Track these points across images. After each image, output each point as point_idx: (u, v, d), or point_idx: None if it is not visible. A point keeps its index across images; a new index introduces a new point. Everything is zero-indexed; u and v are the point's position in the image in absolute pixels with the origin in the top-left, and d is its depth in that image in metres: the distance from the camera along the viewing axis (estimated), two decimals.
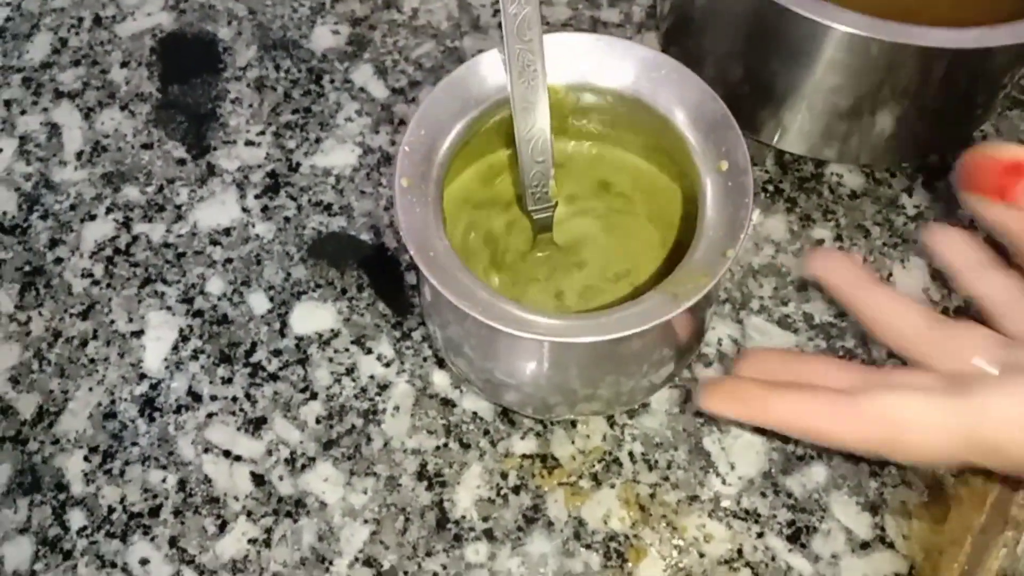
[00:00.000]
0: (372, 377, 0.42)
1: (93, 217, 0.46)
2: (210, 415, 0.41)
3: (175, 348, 0.43)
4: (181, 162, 0.47)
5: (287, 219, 0.46)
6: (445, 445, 0.41)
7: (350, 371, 0.42)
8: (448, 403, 0.41)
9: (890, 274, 0.44)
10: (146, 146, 0.48)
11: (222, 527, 0.39)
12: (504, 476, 0.40)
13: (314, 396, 0.42)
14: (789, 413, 0.31)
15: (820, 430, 0.31)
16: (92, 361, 0.43)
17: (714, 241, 0.33)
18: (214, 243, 0.45)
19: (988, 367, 0.30)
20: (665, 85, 0.35)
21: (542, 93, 0.34)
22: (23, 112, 0.49)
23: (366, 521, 0.39)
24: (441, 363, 0.42)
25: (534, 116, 0.34)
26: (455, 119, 0.35)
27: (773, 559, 0.38)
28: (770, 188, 0.46)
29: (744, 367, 0.34)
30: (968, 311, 0.40)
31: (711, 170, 0.34)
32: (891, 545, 0.38)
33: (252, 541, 0.39)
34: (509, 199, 0.39)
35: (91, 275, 0.45)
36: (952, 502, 0.39)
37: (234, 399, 0.42)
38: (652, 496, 0.39)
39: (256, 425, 0.41)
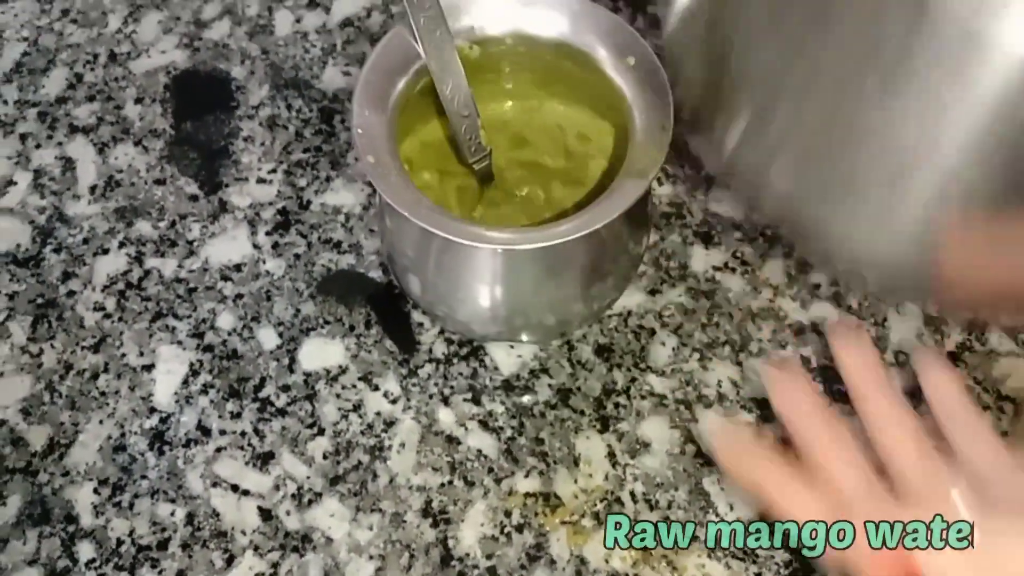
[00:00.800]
0: (379, 414, 0.43)
1: (106, 251, 0.47)
2: (219, 449, 0.42)
3: (185, 382, 0.44)
4: (193, 198, 0.48)
5: (297, 256, 0.47)
6: (450, 482, 0.41)
7: (357, 407, 0.43)
8: (453, 440, 0.42)
9: (885, 319, 0.45)
10: (159, 182, 0.49)
11: (229, 561, 0.40)
12: (508, 514, 0.41)
13: (321, 432, 0.42)
14: (778, 496, 0.34)
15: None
16: (103, 394, 0.43)
17: (648, 125, 0.37)
18: (225, 279, 0.46)
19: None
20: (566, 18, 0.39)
21: (452, 54, 0.38)
22: (38, 146, 0.50)
23: (371, 557, 0.40)
24: (446, 401, 0.43)
25: (450, 75, 0.38)
26: (387, 94, 0.38)
27: None
28: (768, 233, 0.47)
29: (778, 373, 0.37)
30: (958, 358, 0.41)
31: (622, 70, 0.38)
32: None
33: (259, 575, 0.40)
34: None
35: (103, 308, 0.45)
36: None
37: (243, 434, 0.42)
38: (655, 537, 0.40)
39: (264, 460, 0.42)
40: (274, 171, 0.49)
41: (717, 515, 0.41)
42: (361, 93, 0.37)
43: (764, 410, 0.43)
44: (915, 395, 0.38)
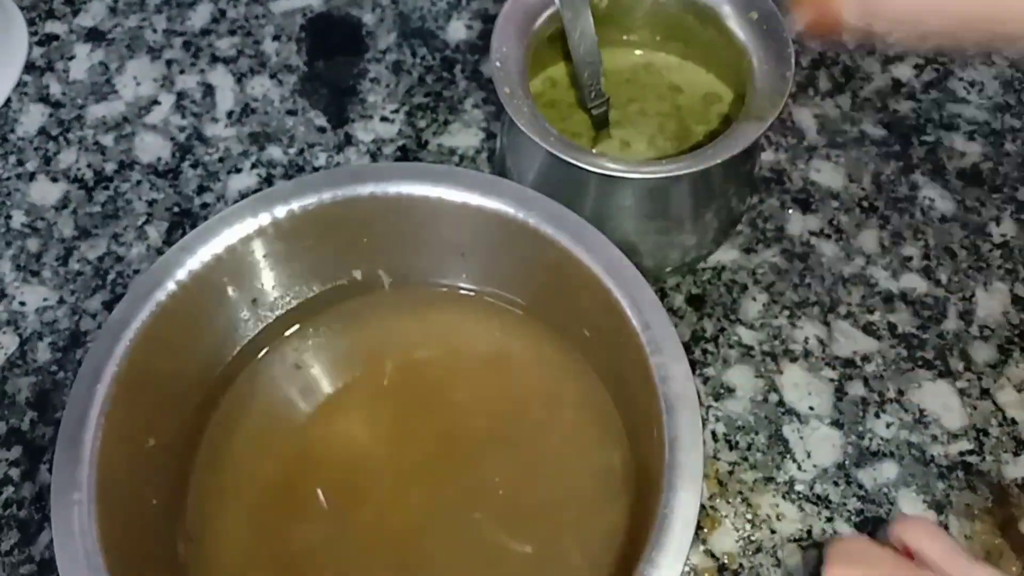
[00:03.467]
0: None
1: (239, 170, 0.51)
2: None
3: None
4: (321, 130, 0.52)
5: None
6: None
7: None
8: None
9: (972, 294, 0.46)
10: (291, 112, 0.52)
11: None
12: None
13: None
14: None
15: None
16: None
17: (768, 75, 0.38)
18: None
19: None
20: None
21: (584, 3, 0.40)
22: (182, 72, 0.54)
23: None
24: None
25: (580, 23, 0.40)
26: (523, 33, 0.41)
27: None
28: (865, 204, 0.49)
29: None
30: None
31: (745, 24, 0.40)
32: None
33: None
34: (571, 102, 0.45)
35: None
36: (1016, 511, 0.41)
37: None
38: (731, 473, 0.42)
39: None
40: (396, 111, 0.52)
41: (794, 461, 0.43)
42: (500, 31, 0.39)
43: (847, 368, 0.44)
44: None
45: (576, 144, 0.39)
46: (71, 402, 0.33)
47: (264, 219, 0.36)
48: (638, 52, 0.45)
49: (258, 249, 0.37)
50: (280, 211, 0.36)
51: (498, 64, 0.39)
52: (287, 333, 0.40)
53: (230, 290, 0.37)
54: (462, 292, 0.41)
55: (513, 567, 0.36)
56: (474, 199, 0.36)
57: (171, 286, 0.35)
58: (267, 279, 0.38)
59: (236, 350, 0.38)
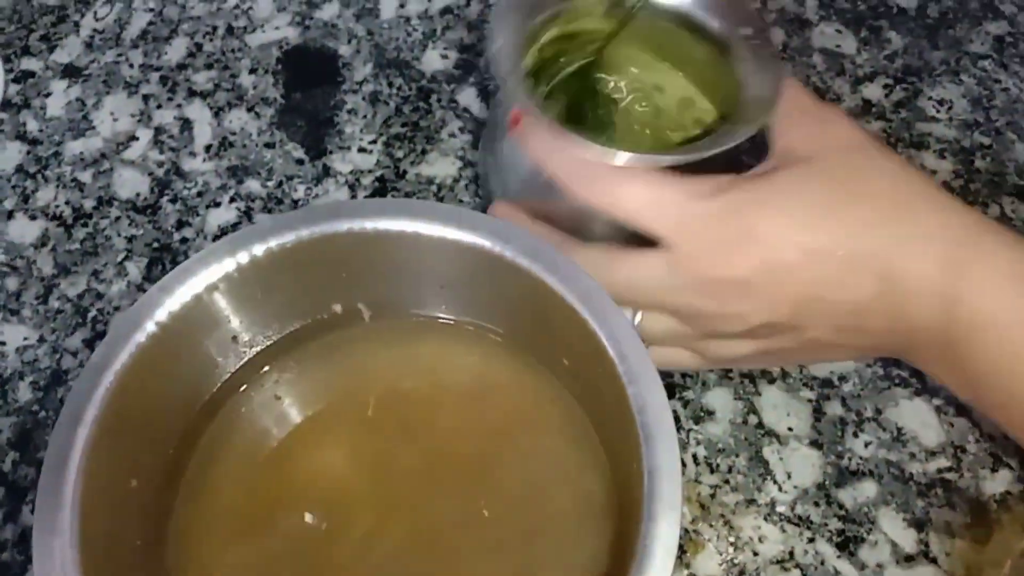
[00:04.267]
0: None
1: (218, 204, 0.51)
2: None
3: None
4: (300, 162, 0.52)
5: None
6: None
7: None
8: None
9: None
10: (268, 145, 0.53)
11: None
12: None
13: None
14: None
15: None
16: None
17: (758, 84, 0.39)
18: None
19: None
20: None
21: None
22: (159, 106, 0.54)
23: None
24: None
25: None
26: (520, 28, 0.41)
27: (822, 563, 0.41)
28: None
29: None
30: None
31: (737, 38, 0.41)
32: (934, 560, 0.41)
33: None
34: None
35: None
36: (994, 526, 0.42)
37: None
38: (712, 496, 0.43)
39: None
40: (374, 142, 0.53)
41: (775, 482, 0.43)
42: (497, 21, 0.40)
43: (824, 388, 0.45)
44: None
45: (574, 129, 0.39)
46: (51, 447, 0.33)
47: (242, 257, 0.37)
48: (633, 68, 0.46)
49: (237, 287, 0.37)
50: (258, 249, 0.36)
51: (498, 47, 0.39)
52: (267, 368, 0.40)
53: (209, 329, 0.37)
54: (441, 321, 0.41)
55: None
56: (451, 233, 0.37)
57: (150, 327, 0.35)
58: (246, 316, 0.38)
59: (216, 387, 0.38)
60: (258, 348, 0.40)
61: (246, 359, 0.40)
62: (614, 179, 0.37)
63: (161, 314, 0.35)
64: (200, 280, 0.36)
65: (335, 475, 0.39)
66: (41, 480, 0.32)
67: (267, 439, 0.39)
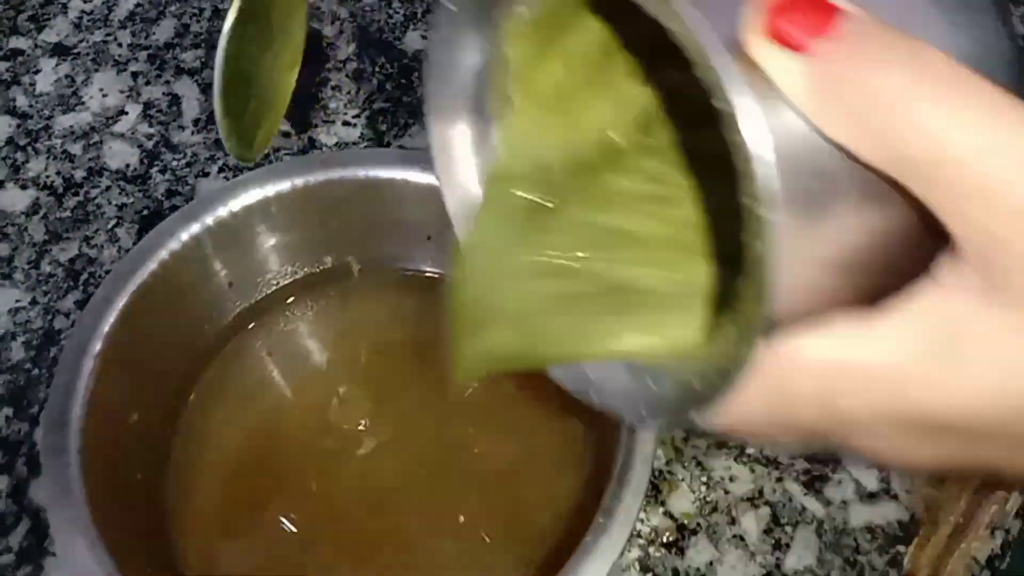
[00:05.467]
0: None
1: (207, 174, 0.52)
2: None
3: None
4: (286, 135, 0.54)
5: None
6: None
7: None
8: None
9: None
10: None
11: None
12: None
13: None
14: None
15: None
16: None
17: None
18: None
19: None
20: None
21: None
22: (148, 83, 0.56)
23: None
24: None
25: None
26: None
27: (790, 500, 0.43)
28: None
29: None
30: None
31: None
32: (895, 497, 0.44)
33: None
34: None
35: None
36: None
37: None
38: (685, 440, 0.45)
39: None
40: (358, 116, 0.55)
41: None
42: None
43: None
44: None
45: None
46: (58, 377, 0.34)
47: (235, 205, 0.38)
48: None
49: (232, 234, 0.39)
50: (254, 195, 0.38)
51: None
52: (263, 316, 0.42)
53: (207, 274, 0.39)
54: (427, 275, 0.43)
55: (485, 526, 0.38)
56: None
57: (151, 266, 0.36)
58: (241, 264, 0.40)
59: (215, 331, 0.40)
60: (255, 295, 0.42)
61: (241, 306, 0.41)
62: None
63: (163, 254, 0.37)
64: (199, 224, 0.38)
65: (328, 419, 0.41)
66: (47, 406, 0.34)
67: (263, 383, 0.41)
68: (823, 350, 0.20)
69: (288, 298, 0.42)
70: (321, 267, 0.43)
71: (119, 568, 0.30)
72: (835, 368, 0.20)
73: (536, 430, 0.40)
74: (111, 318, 0.35)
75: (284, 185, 0.39)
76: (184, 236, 0.37)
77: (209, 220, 0.37)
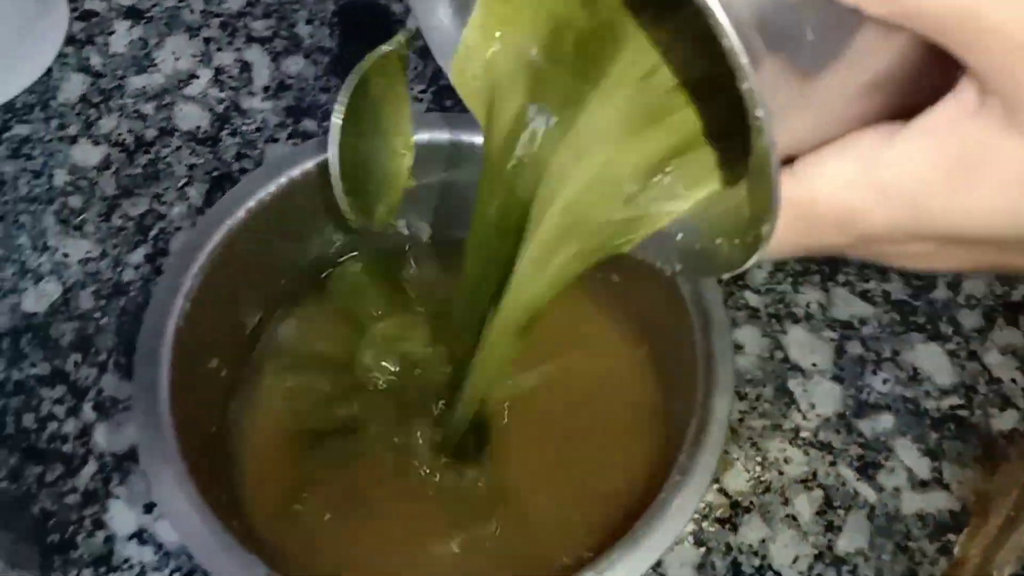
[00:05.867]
0: None
1: (275, 140, 0.53)
2: None
3: None
4: None
5: None
6: None
7: None
8: None
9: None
10: (324, 90, 0.55)
11: None
12: None
13: None
14: None
15: None
16: None
17: None
18: None
19: None
20: None
21: None
22: (219, 49, 0.57)
23: None
24: None
25: None
26: None
27: (843, 484, 0.44)
28: None
29: None
30: None
31: None
32: (947, 487, 0.44)
33: None
34: None
35: None
36: (1002, 459, 0.45)
37: None
38: (741, 421, 0.45)
39: None
40: (424, 91, 0.56)
41: (799, 411, 0.46)
42: None
43: (845, 329, 0.48)
44: None
45: None
46: (147, 321, 0.35)
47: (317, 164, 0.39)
48: None
49: (315, 188, 0.40)
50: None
51: None
52: (338, 266, 0.43)
53: (295, 220, 0.40)
54: None
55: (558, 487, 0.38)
56: None
57: (240, 213, 0.37)
58: (321, 216, 0.41)
59: (291, 278, 0.41)
60: (334, 246, 0.42)
61: (317, 255, 0.42)
62: None
63: (251, 202, 0.37)
64: (284, 179, 0.39)
65: (401, 350, 0.41)
66: (139, 342, 0.34)
67: (332, 333, 0.42)
68: (847, 171, 0.21)
69: (363, 256, 0.43)
70: (393, 231, 0.43)
71: (203, 497, 0.31)
72: (859, 187, 0.21)
73: (606, 396, 0.40)
74: (201, 260, 0.36)
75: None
76: (272, 187, 0.38)
77: (296, 173, 0.38)
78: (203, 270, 0.36)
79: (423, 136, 0.39)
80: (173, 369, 0.33)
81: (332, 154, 0.35)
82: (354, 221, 0.37)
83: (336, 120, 0.35)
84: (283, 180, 0.38)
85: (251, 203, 0.37)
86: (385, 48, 0.36)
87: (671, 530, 0.30)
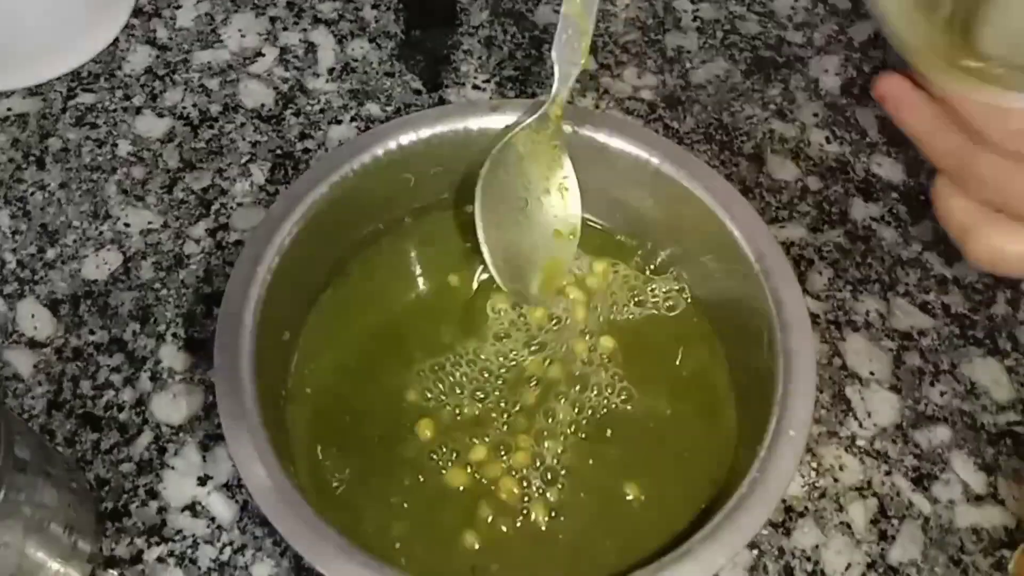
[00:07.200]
0: None
1: (339, 122, 0.53)
2: None
3: None
4: (417, 92, 0.55)
5: None
6: None
7: None
8: None
9: (1019, 282, 0.50)
10: (388, 74, 0.56)
11: None
12: None
13: None
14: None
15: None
16: None
17: None
18: None
19: None
20: None
21: None
22: (285, 29, 0.57)
23: None
24: None
25: None
26: None
27: (898, 494, 0.44)
28: (922, 198, 0.53)
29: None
30: None
31: None
32: (1002, 502, 0.44)
33: None
34: None
35: None
36: None
37: None
38: None
39: None
40: (488, 81, 0.56)
41: (856, 419, 0.46)
42: None
43: (904, 340, 0.48)
44: None
45: None
46: (229, 293, 0.35)
47: (404, 139, 0.40)
48: None
49: (384, 169, 0.40)
50: (424, 133, 0.39)
51: None
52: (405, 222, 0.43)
53: (359, 204, 0.40)
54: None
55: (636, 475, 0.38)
56: (601, 136, 0.40)
57: (322, 189, 0.37)
58: (386, 192, 0.41)
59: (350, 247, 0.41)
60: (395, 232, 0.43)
61: (371, 228, 0.42)
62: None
63: (334, 177, 0.38)
64: (367, 155, 0.39)
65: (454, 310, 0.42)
66: (223, 306, 0.34)
67: (385, 302, 0.42)
68: None
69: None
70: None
71: (278, 458, 0.31)
72: None
73: (678, 386, 0.40)
74: (284, 232, 0.36)
75: (444, 128, 0.40)
76: (355, 164, 0.38)
77: (379, 151, 0.39)
78: (283, 245, 0.36)
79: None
80: (255, 336, 0.34)
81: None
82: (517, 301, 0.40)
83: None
84: (366, 158, 0.38)
85: (335, 177, 0.37)
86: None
87: (750, 527, 0.30)
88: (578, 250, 0.42)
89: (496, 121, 0.40)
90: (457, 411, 0.39)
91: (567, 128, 0.39)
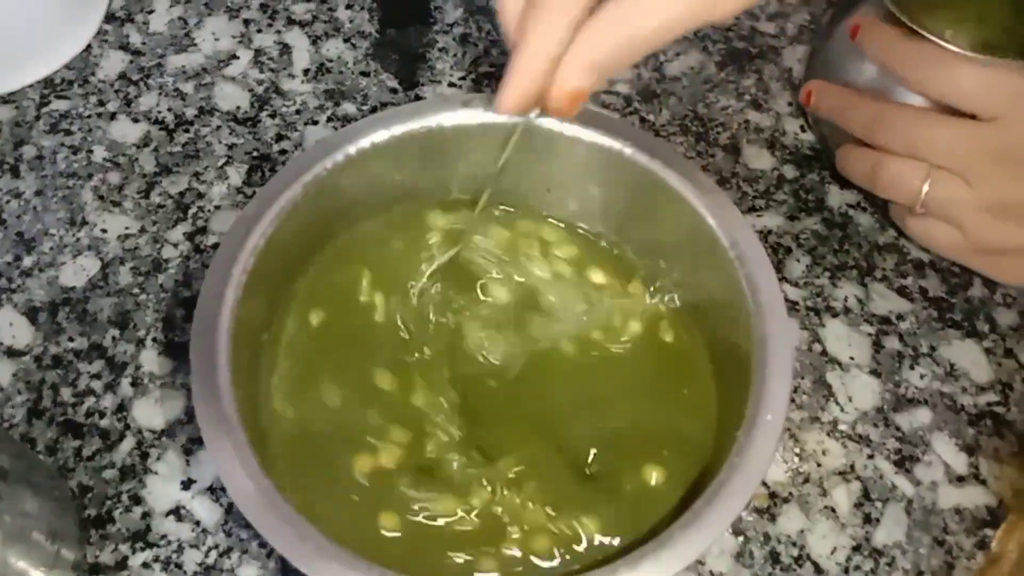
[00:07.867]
0: None
1: (315, 122, 0.53)
2: None
3: None
4: (393, 91, 0.55)
5: None
6: None
7: None
8: None
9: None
10: (364, 73, 0.55)
11: None
12: None
13: None
14: None
15: None
16: None
17: None
18: None
19: None
20: None
21: None
22: (259, 31, 0.57)
23: None
24: None
25: None
26: None
27: (881, 477, 0.44)
28: None
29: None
30: None
31: None
32: (983, 482, 0.44)
33: None
34: None
35: None
36: None
37: None
38: None
39: None
40: (463, 78, 0.56)
41: (837, 404, 0.46)
42: None
43: (883, 324, 0.48)
44: None
45: None
46: (204, 294, 0.35)
47: (382, 136, 0.40)
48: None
49: (363, 166, 0.40)
50: (397, 130, 0.39)
51: None
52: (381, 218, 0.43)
53: (337, 200, 0.40)
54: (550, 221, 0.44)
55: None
56: (573, 131, 0.40)
57: (296, 189, 0.37)
58: (370, 192, 0.41)
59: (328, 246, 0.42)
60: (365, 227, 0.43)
61: (347, 226, 0.42)
62: (953, 63, 0.42)
63: (307, 177, 0.38)
64: (341, 155, 0.39)
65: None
66: (197, 312, 0.34)
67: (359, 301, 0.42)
68: None
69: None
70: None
71: (262, 467, 0.31)
72: None
73: (655, 371, 0.40)
74: (259, 232, 0.36)
75: (416, 125, 0.40)
76: (328, 163, 0.38)
77: (352, 149, 0.39)
78: (258, 246, 0.36)
79: None
80: (232, 338, 0.34)
81: None
82: None
83: None
84: (339, 157, 0.38)
85: (308, 177, 0.37)
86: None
87: (729, 511, 0.31)
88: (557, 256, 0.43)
89: (468, 116, 0.40)
90: (440, 401, 0.39)
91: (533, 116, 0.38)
